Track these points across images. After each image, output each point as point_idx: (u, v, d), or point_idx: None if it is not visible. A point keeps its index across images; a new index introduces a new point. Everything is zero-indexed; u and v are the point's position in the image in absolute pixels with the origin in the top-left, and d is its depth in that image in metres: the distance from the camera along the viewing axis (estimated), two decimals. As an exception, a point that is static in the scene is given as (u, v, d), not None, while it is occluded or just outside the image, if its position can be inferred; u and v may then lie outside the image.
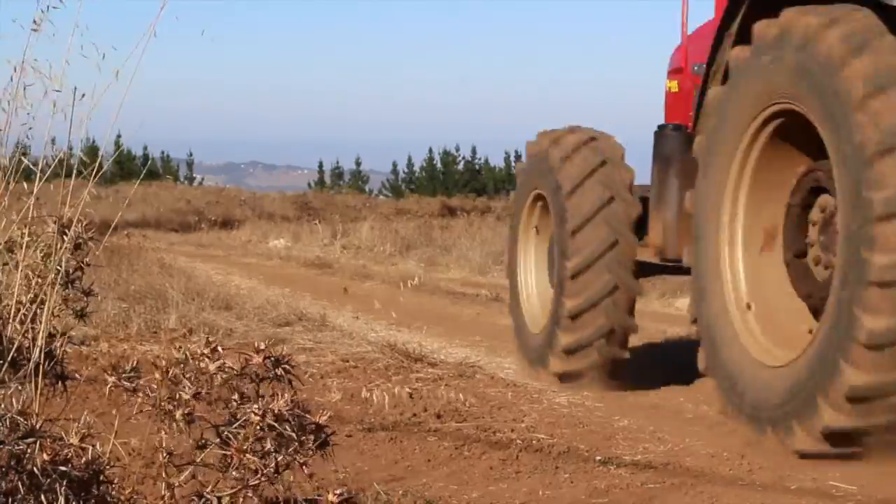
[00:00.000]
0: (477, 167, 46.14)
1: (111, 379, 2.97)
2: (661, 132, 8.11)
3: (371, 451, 5.95)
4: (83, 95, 3.40)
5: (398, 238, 22.80)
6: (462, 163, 46.17)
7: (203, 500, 2.89)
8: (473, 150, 46.48)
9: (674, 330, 11.05)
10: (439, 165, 46.22)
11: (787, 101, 6.18)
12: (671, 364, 9.44)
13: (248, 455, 2.81)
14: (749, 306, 6.60)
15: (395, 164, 47.67)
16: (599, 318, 7.98)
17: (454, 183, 44.23)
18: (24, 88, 3.49)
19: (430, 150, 46.53)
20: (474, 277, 17.96)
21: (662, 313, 13.63)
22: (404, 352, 8.75)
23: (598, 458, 5.93)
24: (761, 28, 6.33)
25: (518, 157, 45.25)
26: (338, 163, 49.67)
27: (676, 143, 7.87)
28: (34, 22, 3.42)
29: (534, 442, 6.24)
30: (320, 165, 49.41)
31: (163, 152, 47.78)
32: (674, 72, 8.67)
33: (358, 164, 48.34)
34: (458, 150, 46.30)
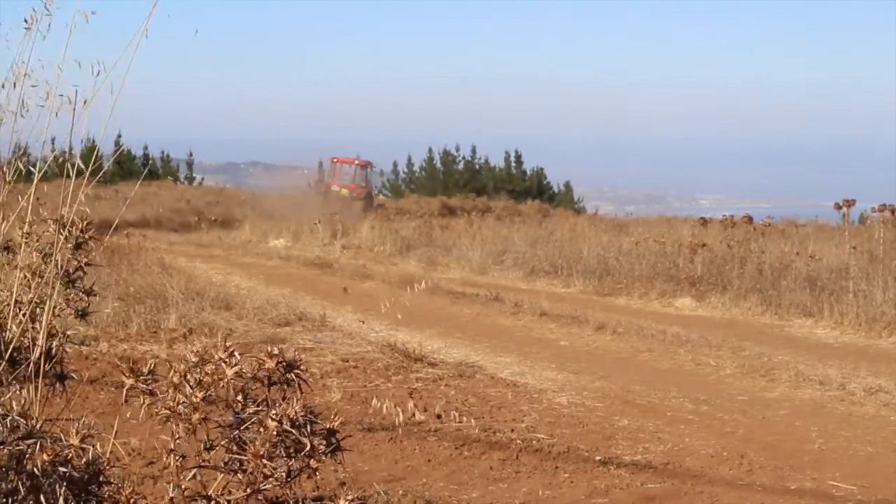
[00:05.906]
0: (477, 167, 46.05)
1: (129, 381, 2.95)
2: None
3: (371, 450, 5.95)
4: (85, 102, 3.39)
5: (398, 238, 22.81)
6: (462, 163, 46.08)
7: (212, 501, 2.88)
8: (473, 150, 46.40)
9: (673, 330, 11.05)
10: (439, 165, 46.14)
11: None
12: (671, 363, 9.45)
13: (264, 460, 2.80)
14: None
15: (395, 164, 47.61)
16: None
17: (454, 183, 44.18)
18: (24, 91, 3.48)
19: (430, 150, 46.48)
20: (474, 277, 17.97)
21: (662, 313, 13.64)
22: (404, 352, 8.76)
23: (598, 458, 5.93)
24: None
25: (518, 156, 45.20)
26: (338, 163, 49.53)
27: None
28: (25, 21, 3.41)
29: (534, 442, 6.23)
30: (320, 165, 49.34)
31: (163, 152, 47.64)
32: None
33: (358, 163, 48.23)
34: (458, 150, 46.25)
